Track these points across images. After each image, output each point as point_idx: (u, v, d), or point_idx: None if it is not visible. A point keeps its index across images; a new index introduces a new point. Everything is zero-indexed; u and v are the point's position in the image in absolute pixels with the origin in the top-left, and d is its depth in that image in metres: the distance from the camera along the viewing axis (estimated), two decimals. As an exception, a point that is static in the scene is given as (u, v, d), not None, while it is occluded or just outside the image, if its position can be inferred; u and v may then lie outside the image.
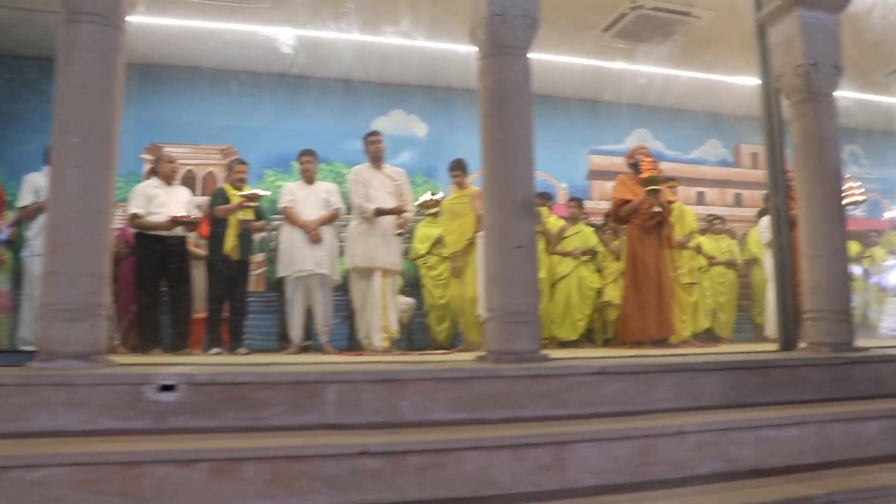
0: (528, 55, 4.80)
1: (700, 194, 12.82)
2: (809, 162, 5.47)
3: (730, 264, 10.95)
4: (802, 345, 5.60)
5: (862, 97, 11.72)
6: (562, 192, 11.80)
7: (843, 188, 5.49)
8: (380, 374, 3.77)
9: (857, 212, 12.29)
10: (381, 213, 7.93)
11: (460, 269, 8.66)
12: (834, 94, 5.58)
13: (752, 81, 6.22)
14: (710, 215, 11.45)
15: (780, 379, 4.46)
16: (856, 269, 11.37)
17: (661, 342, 8.08)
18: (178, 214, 7.79)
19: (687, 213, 9.80)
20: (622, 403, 4.07)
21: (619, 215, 8.42)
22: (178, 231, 7.93)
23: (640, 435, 3.56)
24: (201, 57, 10.07)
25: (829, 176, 5.42)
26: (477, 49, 4.85)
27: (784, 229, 5.91)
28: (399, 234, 7.99)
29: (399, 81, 11.10)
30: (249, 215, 8.15)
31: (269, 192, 8.26)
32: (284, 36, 9.62)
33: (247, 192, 8.14)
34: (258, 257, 10.23)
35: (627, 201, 8.29)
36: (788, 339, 5.81)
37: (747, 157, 13.07)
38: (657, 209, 8.07)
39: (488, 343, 4.55)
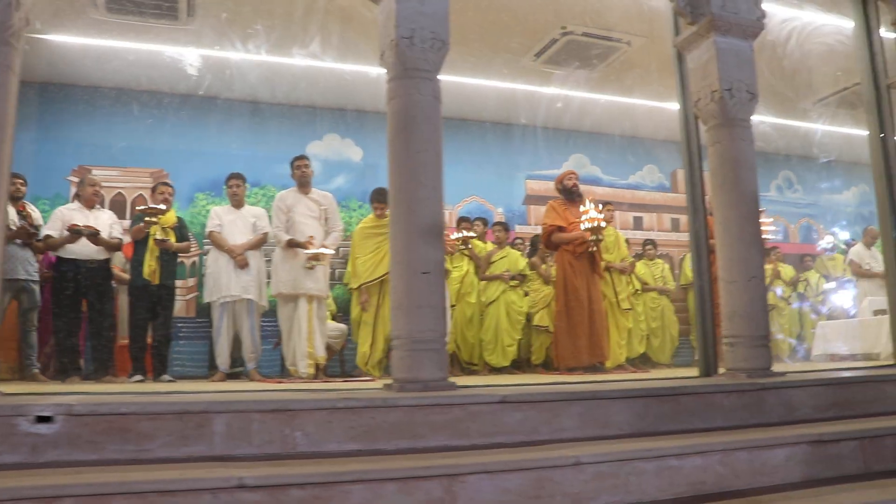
0: (438, 78, 4.74)
1: (637, 219, 12.83)
2: (725, 186, 5.44)
3: (661, 291, 10.97)
4: (722, 370, 5.54)
5: (793, 124, 11.83)
6: (498, 217, 11.75)
7: (759, 213, 5.45)
8: (271, 403, 3.65)
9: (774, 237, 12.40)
10: (292, 244, 7.85)
11: (370, 303, 8.47)
12: (750, 119, 5.57)
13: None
14: (646, 240, 11.48)
15: (690, 406, 4.40)
16: (782, 293, 11.45)
17: (595, 368, 8.06)
18: (76, 224, 7.59)
19: (621, 239, 9.80)
20: (526, 433, 3.98)
21: (551, 241, 8.39)
22: (98, 255, 7.74)
23: (536, 466, 3.45)
24: (131, 78, 9.93)
25: (746, 200, 5.39)
26: (385, 72, 4.77)
27: (703, 254, 5.89)
28: (310, 268, 7.84)
29: (334, 105, 10.98)
30: (170, 237, 7.95)
31: (164, 207, 7.99)
32: (211, 59, 9.53)
33: (144, 207, 7.97)
34: (189, 282, 10.08)
35: (559, 227, 8.27)
36: (708, 364, 5.78)
37: (685, 183, 13.05)
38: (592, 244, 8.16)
39: (394, 371, 4.46)
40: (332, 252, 8.10)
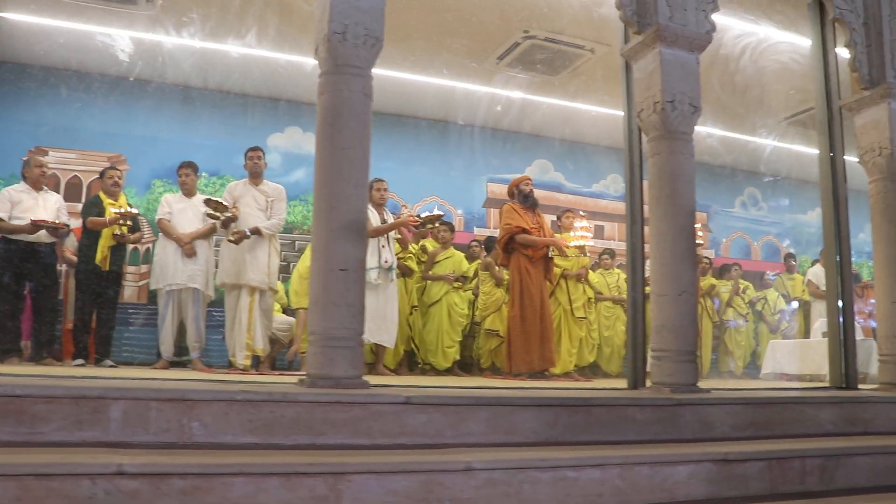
0: (371, 75, 4.70)
1: (598, 228, 12.82)
2: (662, 199, 5.41)
3: (615, 301, 10.96)
4: (649, 384, 5.52)
5: (743, 139, 11.86)
6: (458, 219, 11.72)
7: (695, 228, 5.43)
8: (169, 391, 3.61)
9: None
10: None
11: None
12: (691, 132, 5.54)
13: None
14: (604, 249, 11.47)
15: (603, 418, 4.37)
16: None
17: (541, 374, 8.06)
18: (40, 219, 7.54)
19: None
20: (430, 436, 3.94)
21: (511, 244, 8.35)
22: (45, 237, 7.67)
23: (426, 469, 3.42)
24: (91, 61, 9.85)
25: (681, 214, 5.35)
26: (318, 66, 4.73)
27: (639, 266, 5.86)
28: (231, 241, 7.85)
29: (295, 98, 10.91)
30: (124, 230, 7.91)
31: (138, 211, 8.05)
32: (175, 45, 9.46)
33: (121, 209, 7.92)
34: (142, 269, 10.01)
35: (524, 229, 8.25)
36: (637, 377, 5.75)
37: (646, 193, 13.02)
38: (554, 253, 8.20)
39: (308, 367, 4.41)
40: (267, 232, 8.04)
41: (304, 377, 4.47)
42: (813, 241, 13.78)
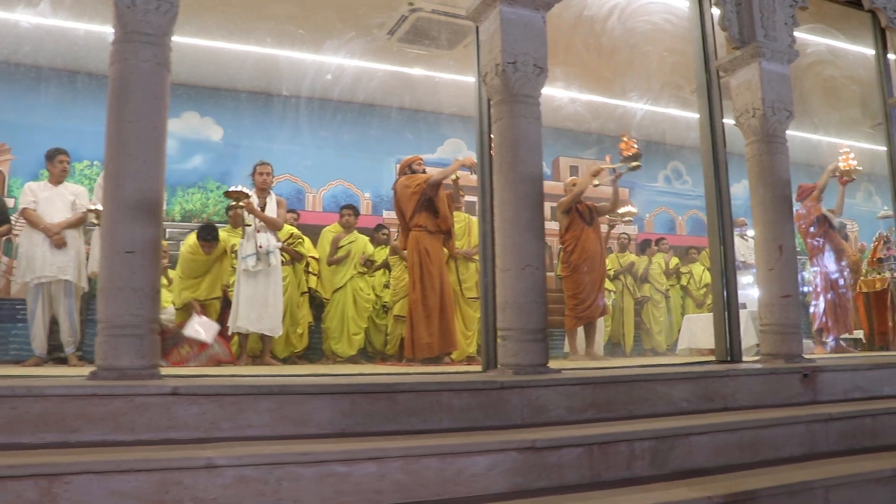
0: (169, 44, 4.36)
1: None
2: (504, 167, 5.07)
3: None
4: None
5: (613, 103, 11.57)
6: (366, 203, 11.35)
7: (541, 196, 5.08)
8: None
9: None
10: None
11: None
12: (537, 95, 5.19)
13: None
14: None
15: (411, 405, 4.01)
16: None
17: (442, 359, 7.76)
18: None
19: (475, 224, 9.42)
20: (204, 429, 3.59)
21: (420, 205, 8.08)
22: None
23: (161, 468, 3.07)
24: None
25: (525, 183, 5.00)
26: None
27: (489, 240, 5.50)
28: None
29: (194, 82, 10.49)
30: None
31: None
32: (66, 30, 9.02)
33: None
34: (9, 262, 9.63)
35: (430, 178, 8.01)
36: (489, 358, 5.40)
37: (567, 171, 12.72)
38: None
39: (96, 358, 4.05)
40: None
41: (94, 369, 4.11)
42: (739, 213, 13.48)
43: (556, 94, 10.70)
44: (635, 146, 8.32)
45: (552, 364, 4.98)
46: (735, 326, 6.32)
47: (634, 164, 8.23)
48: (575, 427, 4.21)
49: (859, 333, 10.40)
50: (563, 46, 6.82)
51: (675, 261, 12.13)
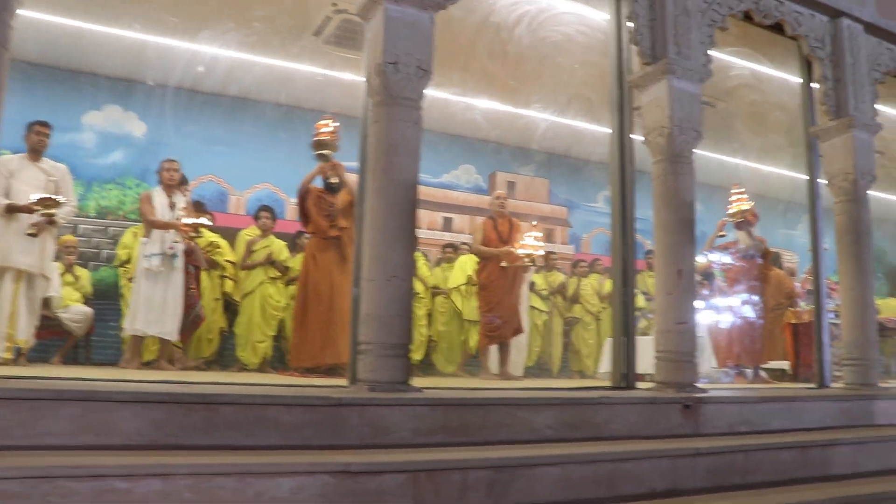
0: (5, 20, 4.11)
1: (447, 220, 12.20)
2: (377, 172, 4.79)
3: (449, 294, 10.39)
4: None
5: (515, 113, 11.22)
6: (292, 208, 11.04)
7: (414, 204, 4.80)
8: None
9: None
10: (12, 209, 7.03)
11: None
12: (419, 98, 4.93)
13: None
14: (446, 244, 10.91)
15: (233, 419, 3.71)
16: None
17: (337, 370, 7.46)
18: None
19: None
20: (-7, 436, 3.28)
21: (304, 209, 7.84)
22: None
23: None
24: None
25: (397, 189, 4.73)
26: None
27: (361, 249, 5.21)
28: (30, 235, 7.04)
29: (117, 75, 10.16)
30: None
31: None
32: None
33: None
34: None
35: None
36: (355, 372, 5.09)
37: (503, 185, 12.46)
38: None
39: None
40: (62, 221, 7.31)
41: None
42: (646, 236, 13.23)
43: (452, 99, 10.39)
44: None
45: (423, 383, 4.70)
46: (632, 352, 6.09)
47: None
48: (414, 451, 3.93)
49: (786, 364, 10.20)
50: (465, 52, 6.52)
51: (609, 284, 11.87)
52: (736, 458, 4.66)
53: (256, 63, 9.74)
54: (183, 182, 8.17)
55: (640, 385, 6.12)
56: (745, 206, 9.64)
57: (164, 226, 7.72)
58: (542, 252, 9.24)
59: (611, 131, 6.45)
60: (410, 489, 3.56)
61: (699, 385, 5.81)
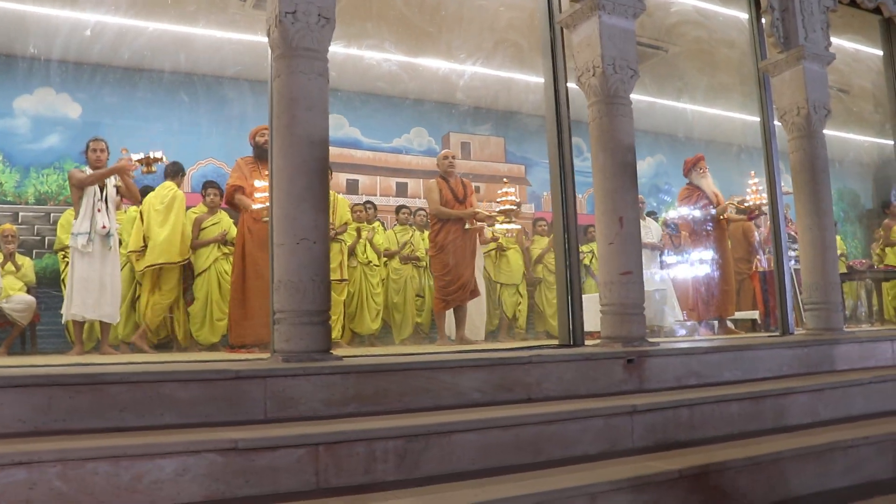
0: None
1: (401, 185, 11.87)
2: (281, 130, 4.46)
3: (406, 259, 10.08)
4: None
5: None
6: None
7: (324, 162, 4.49)
8: None
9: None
10: None
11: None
12: (324, 49, 4.59)
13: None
14: (399, 206, 10.61)
15: (123, 399, 3.41)
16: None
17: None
18: None
19: (340, 202, 8.86)
20: None
21: (233, 203, 7.48)
22: None
23: None
24: None
25: (302, 145, 4.41)
26: None
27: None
28: None
29: (49, 56, 9.76)
30: None
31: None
32: None
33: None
34: None
35: (240, 187, 7.38)
36: (273, 344, 4.79)
37: (457, 147, 12.12)
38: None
39: None
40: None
41: None
42: (647, 192, 12.98)
43: (366, 53, 10.01)
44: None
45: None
46: (577, 308, 5.82)
47: None
48: (321, 423, 3.63)
49: (756, 314, 9.94)
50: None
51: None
52: (679, 413, 4.36)
53: (196, 35, 9.40)
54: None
55: (589, 343, 5.84)
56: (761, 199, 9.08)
57: (104, 175, 7.36)
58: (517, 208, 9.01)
59: (543, 78, 6.14)
60: (311, 464, 3.29)
61: (651, 339, 5.53)
